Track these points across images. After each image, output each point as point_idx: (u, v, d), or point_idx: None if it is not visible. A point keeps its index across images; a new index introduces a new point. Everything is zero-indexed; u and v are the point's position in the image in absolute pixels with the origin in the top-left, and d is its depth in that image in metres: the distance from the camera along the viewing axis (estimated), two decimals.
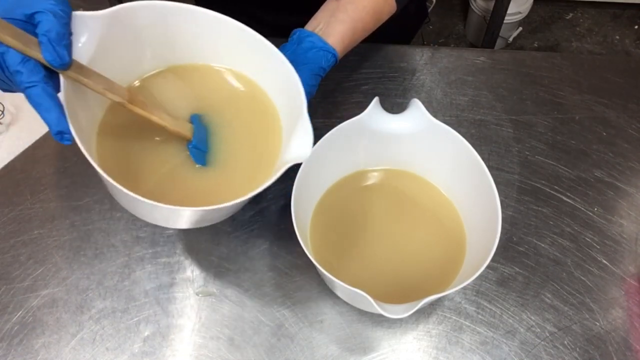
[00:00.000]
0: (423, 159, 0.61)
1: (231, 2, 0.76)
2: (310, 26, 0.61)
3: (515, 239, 0.62)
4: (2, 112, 0.67)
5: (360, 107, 0.57)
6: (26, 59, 0.40)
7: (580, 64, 0.78)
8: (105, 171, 0.41)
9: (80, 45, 0.45)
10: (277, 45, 0.52)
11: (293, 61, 0.51)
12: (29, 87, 0.40)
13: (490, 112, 0.72)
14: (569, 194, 0.65)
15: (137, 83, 0.54)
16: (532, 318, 0.57)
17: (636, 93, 0.75)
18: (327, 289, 0.58)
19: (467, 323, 0.56)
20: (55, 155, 0.66)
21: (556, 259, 0.60)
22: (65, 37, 0.42)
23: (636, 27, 1.99)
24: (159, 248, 0.60)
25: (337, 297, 0.57)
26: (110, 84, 0.46)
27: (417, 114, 0.57)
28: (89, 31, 0.45)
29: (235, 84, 0.57)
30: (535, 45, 1.95)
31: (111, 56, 0.49)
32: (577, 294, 0.58)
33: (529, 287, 0.59)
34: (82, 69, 0.44)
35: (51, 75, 0.42)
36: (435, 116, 0.56)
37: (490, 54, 0.79)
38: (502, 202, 0.53)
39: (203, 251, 0.60)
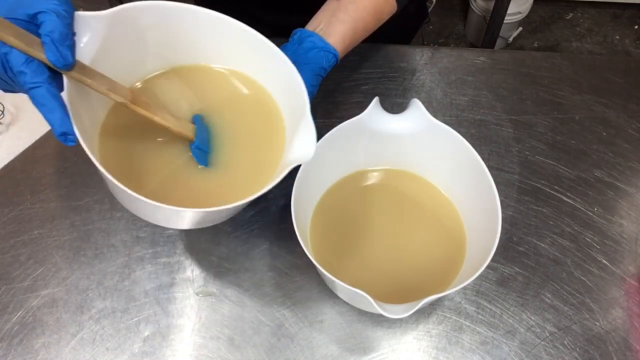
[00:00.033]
0: (423, 159, 0.61)
1: (232, 3, 0.76)
2: (311, 26, 0.61)
3: (515, 239, 0.62)
4: (2, 112, 0.67)
5: (360, 107, 0.57)
6: (30, 59, 0.40)
7: (580, 64, 0.78)
8: (107, 172, 0.41)
9: (82, 45, 0.45)
10: (278, 46, 0.52)
11: (294, 61, 0.51)
12: (33, 87, 0.40)
13: (490, 112, 0.72)
14: (569, 194, 0.65)
15: (139, 84, 0.54)
16: (532, 318, 0.57)
17: (636, 93, 0.75)
18: (327, 289, 0.58)
19: (467, 323, 0.56)
20: (55, 155, 0.66)
21: (556, 259, 0.61)
22: (69, 38, 0.42)
23: (636, 27, 1.99)
24: (159, 248, 0.60)
25: (337, 297, 0.57)
26: (113, 84, 0.46)
27: (417, 114, 0.57)
28: (91, 31, 0.45)
29: (238, 84, 0.57)
30: (535, 45, 1.95)
31: (113, 56, 0.49)
32: (577, 294, 0.58)
33: (529, 287, 0.59)
34: (85, 69, 0.44)
35: (54, 76, 0.42)
36: (435, 116, 0.56)
37: (490, 54, 0.79)
38: (502, 202, 0.53)
39: (203, 251, 0.60)
